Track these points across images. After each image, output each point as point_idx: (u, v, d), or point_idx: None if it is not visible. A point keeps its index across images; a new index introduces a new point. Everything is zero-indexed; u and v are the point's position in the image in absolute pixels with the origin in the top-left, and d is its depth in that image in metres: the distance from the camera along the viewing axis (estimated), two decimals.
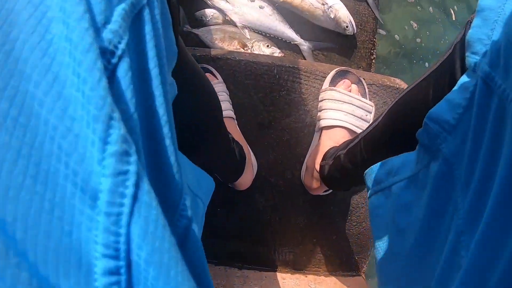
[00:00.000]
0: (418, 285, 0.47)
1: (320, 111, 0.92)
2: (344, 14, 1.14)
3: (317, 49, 1.16)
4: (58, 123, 0.21)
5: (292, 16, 1.14)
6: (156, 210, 0.22)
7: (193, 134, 0.56)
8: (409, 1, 1.63)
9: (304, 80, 0.96)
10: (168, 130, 0.27)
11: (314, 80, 0.97)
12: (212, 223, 0.97)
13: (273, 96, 0.96)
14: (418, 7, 1.65)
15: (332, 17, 1.13)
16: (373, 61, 1.24)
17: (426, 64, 1.68)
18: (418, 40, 1.67)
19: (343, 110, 0.87)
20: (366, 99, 0.93)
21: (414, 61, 1.68)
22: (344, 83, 0.92)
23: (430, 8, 1.68)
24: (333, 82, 0.93)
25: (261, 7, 1.11)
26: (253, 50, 1.10)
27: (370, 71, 1.23)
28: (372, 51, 1.24)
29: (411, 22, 1.64)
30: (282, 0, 1.11)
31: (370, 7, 1.24)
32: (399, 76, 1.61)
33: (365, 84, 0.94)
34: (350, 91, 0.91)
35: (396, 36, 1.63)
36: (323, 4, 1.13)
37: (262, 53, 1.08)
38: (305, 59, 1.14)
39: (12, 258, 0.20)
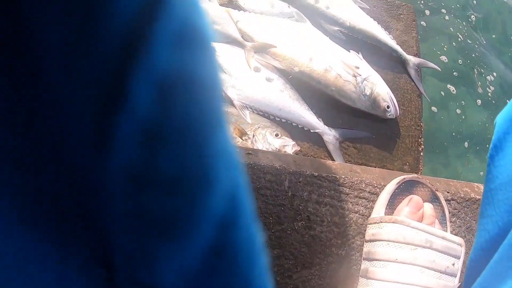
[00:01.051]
0: None
1: (369, 260, 0.54)
2: (383, 90, 0.82)
3: (346, 139, 0.81)
4: None
5: (312, 93, 0.81)
6: None
7: None
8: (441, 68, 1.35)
9: (339, 200, 0.59)
10: None
11: (357, 199, 0.60)
12: None
13: (281, 230, 0.57)
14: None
15: (367, 93, 0.80)
16: (421, 153, 0.89)
17: (466, 144, 1.38)
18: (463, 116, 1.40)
19: (418, 264, 0.49)
20: (448, 231, 0.56)
21: (453, 141, 1.38)
22: (411, 204, 0.55)
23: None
24: (392, 203, 0.56)
25: (268, 80, 0.77)
26: (255, 141, 0.74)
27: (418, 170, 0.87)
28: (419, 140, 0.90)
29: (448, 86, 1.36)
30: (299, 70, 0.78)
31: (413, 80, 0.93)
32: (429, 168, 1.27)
33: (443, 202, 0.57)
34: (422, 220, 0.54)
35: (433, 108, 1.35)
36: (354, 76, 0.80)
37: (268, 146, 0.73)
38: (331, 155, 0.78)
39: None
